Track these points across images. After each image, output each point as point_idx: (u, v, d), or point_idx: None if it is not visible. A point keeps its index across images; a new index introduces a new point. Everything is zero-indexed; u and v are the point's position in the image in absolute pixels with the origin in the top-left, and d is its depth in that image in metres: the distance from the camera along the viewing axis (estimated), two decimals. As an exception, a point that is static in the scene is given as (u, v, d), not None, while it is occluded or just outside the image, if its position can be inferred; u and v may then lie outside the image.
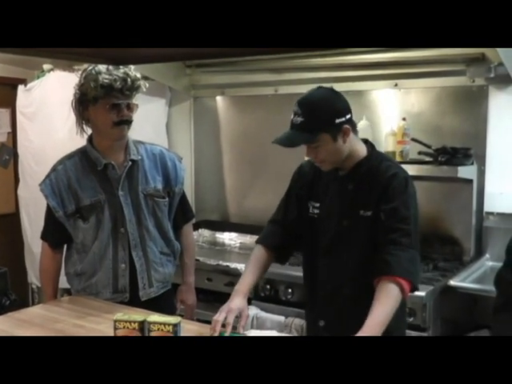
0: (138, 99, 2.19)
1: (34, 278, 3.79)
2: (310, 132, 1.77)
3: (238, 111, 3.77)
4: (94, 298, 2.17)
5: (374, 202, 1.81)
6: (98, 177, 2.14)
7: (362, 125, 3.00)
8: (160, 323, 1.68)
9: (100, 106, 2.08)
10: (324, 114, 1.77)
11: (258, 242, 2.01)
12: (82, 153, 2.19)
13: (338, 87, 3.50)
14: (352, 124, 1.83)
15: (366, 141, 1.94)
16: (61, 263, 2.27)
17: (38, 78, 3.65)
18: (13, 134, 4.09)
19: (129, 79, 2.07)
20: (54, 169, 2.20)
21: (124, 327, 1.70)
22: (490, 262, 2.90)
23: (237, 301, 1.84)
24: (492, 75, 2.73)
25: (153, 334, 1.68)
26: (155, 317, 1.73)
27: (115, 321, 1.71)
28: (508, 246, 1.56)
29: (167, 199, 2.25)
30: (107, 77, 2.03)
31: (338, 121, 1.77)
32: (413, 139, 2.89)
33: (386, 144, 2.98)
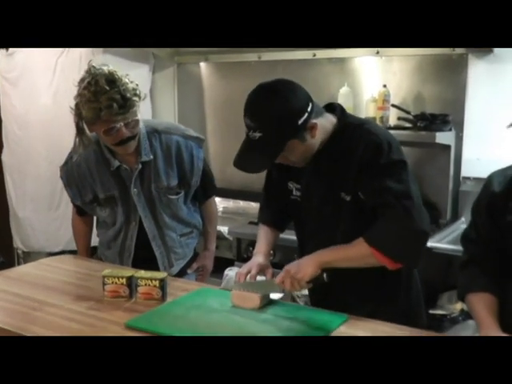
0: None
1: (19, 242, 3.81)
2: (274, 145, 1.53)
3: (222, 77, 3.78)
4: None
5: (351, 181, 1.56)
6: (111, 172, 2.10)
7: (343, 91, 3.12)
8: (147, 278, 1.74)
9: (96, 128, 1.94)
10: (284, 121, 1.50)
11: (258, 221, 1.97)
12: (96, 144, 2.09)
13: (321, 54, 3.52)
14: (315, 111, 1.56)
15: (333, 108, 1.68)
16: (91, 224, 2.34)
17: (21, 42, 3.61)
18: (-5, 99, 4.06)
19: (119, 101, 1.86)
20: (70, 156, 2.17)
21: (112, 282, 1.76)
22: (465, 225, 2.97)
23: (258, 258, 1.79)
24: (471, 43, 2.77)
25: (140, 288, 1.75)
26: (142, 272, 1.79)
27: (104, 276, 1.77)
28: (472, 206, 1.61)
29: (182, 193, 2.18)
30: (94, 105, 1.85)
31: (300, 121, 1.52)
32: (393, 105, 2.96)
33: (367, 110, 3.06)
